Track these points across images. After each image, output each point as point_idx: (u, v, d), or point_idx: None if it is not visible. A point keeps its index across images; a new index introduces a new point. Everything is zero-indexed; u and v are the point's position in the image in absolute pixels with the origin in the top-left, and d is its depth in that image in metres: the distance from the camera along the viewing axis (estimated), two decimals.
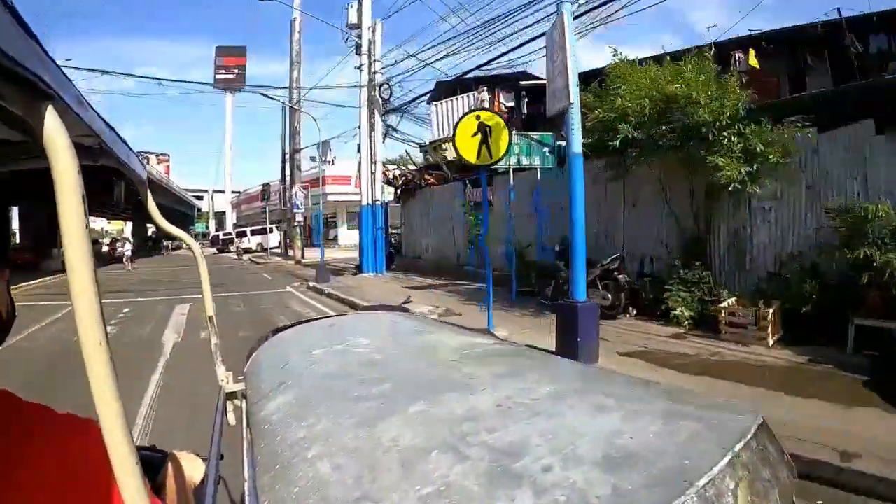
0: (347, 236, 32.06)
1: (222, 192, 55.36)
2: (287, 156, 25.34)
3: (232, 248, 32.51)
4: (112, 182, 1.18)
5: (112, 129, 0.82)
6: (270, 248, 29.10)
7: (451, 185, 14.21)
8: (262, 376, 1.20)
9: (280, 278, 16.02)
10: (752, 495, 0.59)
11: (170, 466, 1.11)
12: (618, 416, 0.76)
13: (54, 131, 0.42)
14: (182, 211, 47.48)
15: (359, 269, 15.08)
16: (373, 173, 15.12)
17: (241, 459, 0.86)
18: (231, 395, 1.38)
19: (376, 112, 14.82)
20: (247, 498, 0.68)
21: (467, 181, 12.23)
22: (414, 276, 13.60)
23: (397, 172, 18.00)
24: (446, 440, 0.70)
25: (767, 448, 0.67)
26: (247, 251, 29.88)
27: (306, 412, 0.87)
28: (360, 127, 15.26)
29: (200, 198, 58.04)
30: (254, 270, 20.27)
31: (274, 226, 30.79)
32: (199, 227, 53.42)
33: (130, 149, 0.98)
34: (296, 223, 23.63)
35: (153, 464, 1.10)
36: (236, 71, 51.03)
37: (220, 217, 55.72)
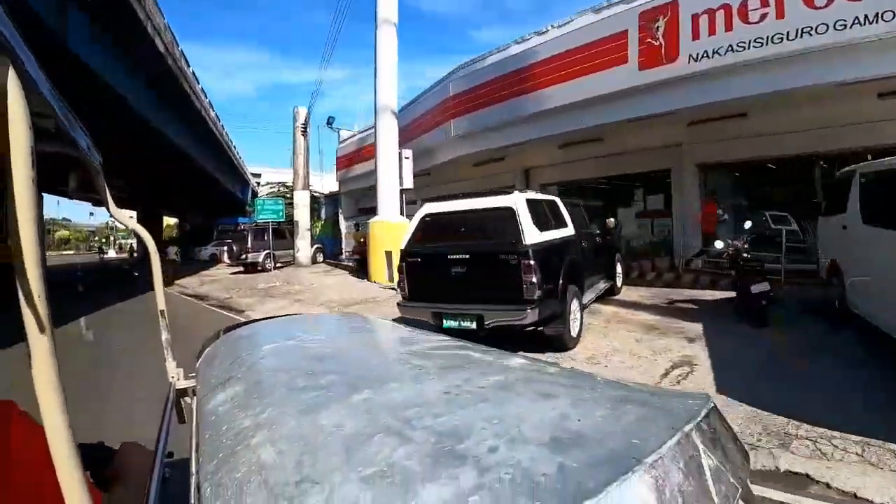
0: None
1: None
2: None
3: None
4: (66, 168, 1.06)
5: (71, 112, 0.76)
6: None
7: None
8: (211, 371, 1.19)
9: None
10: (703, 476, 0.58)
11: (120, 459, 1.13)
12: (565, 402, 0.76)
13: (11, 90, 0.38)
14: (225, 189, 27.84)
15: None
16: None
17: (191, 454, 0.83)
18: (182, 392, 1.38)
19: None
20: (191, 489, 0.69)
21: None
22: None
23: None
24: (390, 425, 0.70)
25: (718, 431, 0.67)
26: None
27: (252, 403, 0.87)
28: None
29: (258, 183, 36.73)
30: None
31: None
32: (267, 210, 18.15)
33: (87, 134, 0.93)
34: None
35: (100, 459, 1.12)
36: None
37: (316, 202, 24.50)
